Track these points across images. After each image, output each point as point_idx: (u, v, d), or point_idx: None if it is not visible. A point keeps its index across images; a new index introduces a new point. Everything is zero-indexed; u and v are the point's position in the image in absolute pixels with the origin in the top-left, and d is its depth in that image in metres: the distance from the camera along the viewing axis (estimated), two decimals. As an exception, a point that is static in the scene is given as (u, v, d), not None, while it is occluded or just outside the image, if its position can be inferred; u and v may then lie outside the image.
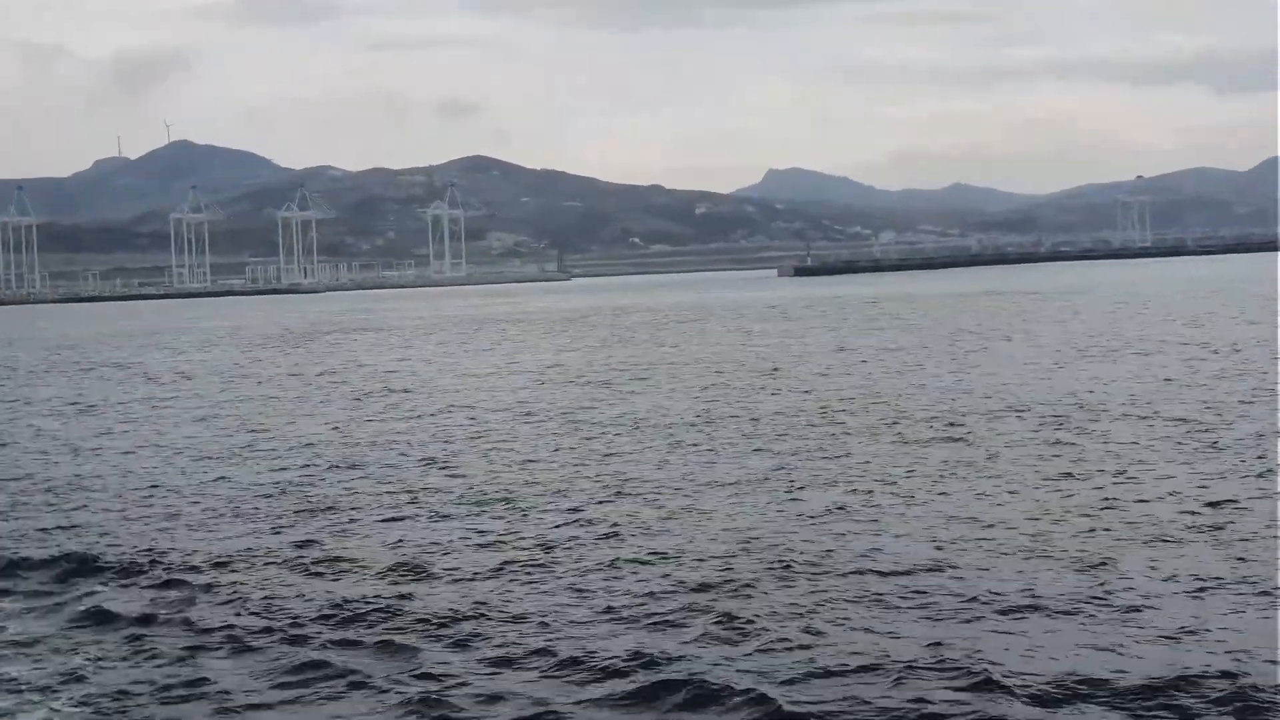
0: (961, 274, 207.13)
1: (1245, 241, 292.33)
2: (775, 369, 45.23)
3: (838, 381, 40.16)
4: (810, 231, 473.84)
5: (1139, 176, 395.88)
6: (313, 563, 17.80)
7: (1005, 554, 16.58)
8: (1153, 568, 15.63)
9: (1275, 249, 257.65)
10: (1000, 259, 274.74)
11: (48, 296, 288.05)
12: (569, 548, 17.94)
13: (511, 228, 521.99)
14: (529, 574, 16.65)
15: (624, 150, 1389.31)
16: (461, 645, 13.93)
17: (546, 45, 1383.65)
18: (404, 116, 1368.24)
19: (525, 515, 20.39)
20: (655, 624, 14.32)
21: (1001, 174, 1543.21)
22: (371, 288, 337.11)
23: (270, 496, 23.28)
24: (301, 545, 18.89)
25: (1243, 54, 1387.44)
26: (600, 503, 21.22)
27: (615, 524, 19.32)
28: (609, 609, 14.92)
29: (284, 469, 26.67)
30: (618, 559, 17.15)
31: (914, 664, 12.61)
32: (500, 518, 20.32)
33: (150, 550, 19.01)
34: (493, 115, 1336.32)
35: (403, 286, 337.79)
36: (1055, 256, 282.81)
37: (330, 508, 21.89)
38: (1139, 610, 14.02)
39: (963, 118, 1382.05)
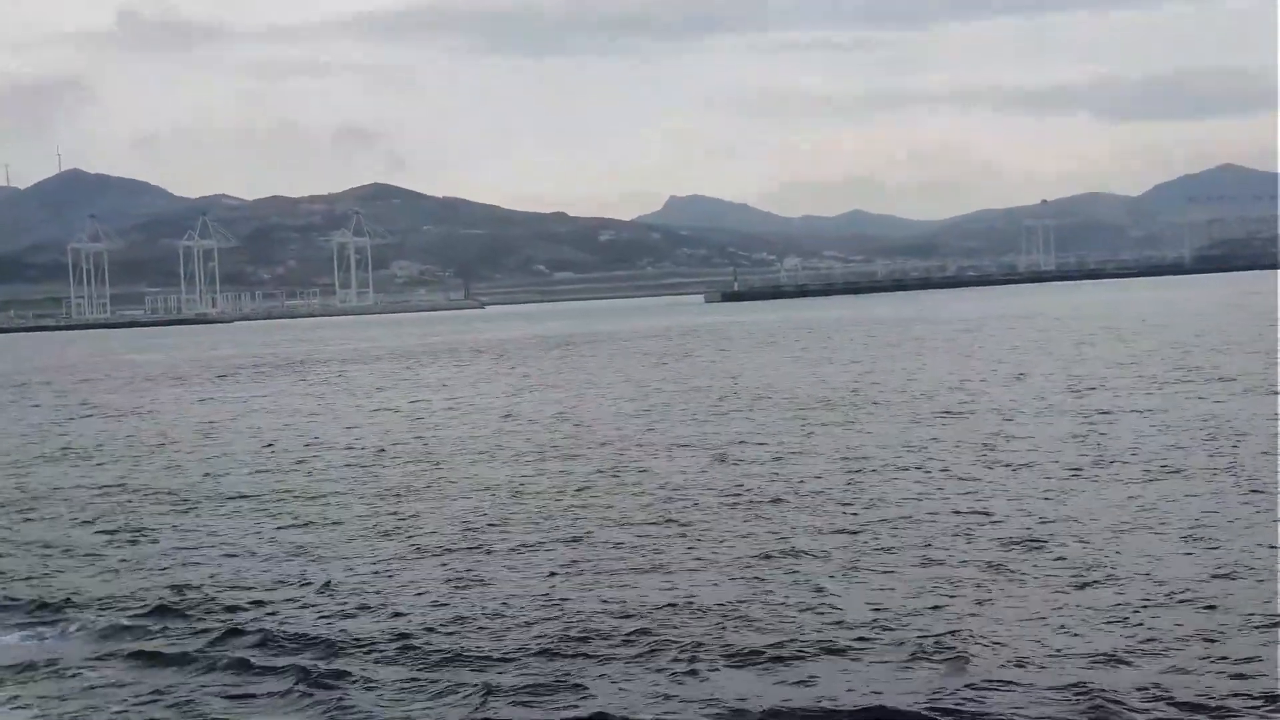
0: (891, 298, 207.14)
1: (1157, 265, 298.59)
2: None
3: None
4: (715, 258, 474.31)
5: (1043, 201, 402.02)
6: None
7: None
8: None
9: (1183, 272, 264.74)
10: (923, 284, 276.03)
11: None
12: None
13: (415, 256, 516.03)
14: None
15: (525, 177, 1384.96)
16: None
17: (443, 72, 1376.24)
18: (300, 144, 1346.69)
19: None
20: None
21: (898, 201, 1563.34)
22: (280, 317, 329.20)
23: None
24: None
25: (1130, 84, 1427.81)
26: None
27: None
28: None
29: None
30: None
31: None
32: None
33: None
34: (391, 143, 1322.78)
35: (310, 316, 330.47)
36: (970, 281, 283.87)
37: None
38: None
39: (856, 145, 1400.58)
